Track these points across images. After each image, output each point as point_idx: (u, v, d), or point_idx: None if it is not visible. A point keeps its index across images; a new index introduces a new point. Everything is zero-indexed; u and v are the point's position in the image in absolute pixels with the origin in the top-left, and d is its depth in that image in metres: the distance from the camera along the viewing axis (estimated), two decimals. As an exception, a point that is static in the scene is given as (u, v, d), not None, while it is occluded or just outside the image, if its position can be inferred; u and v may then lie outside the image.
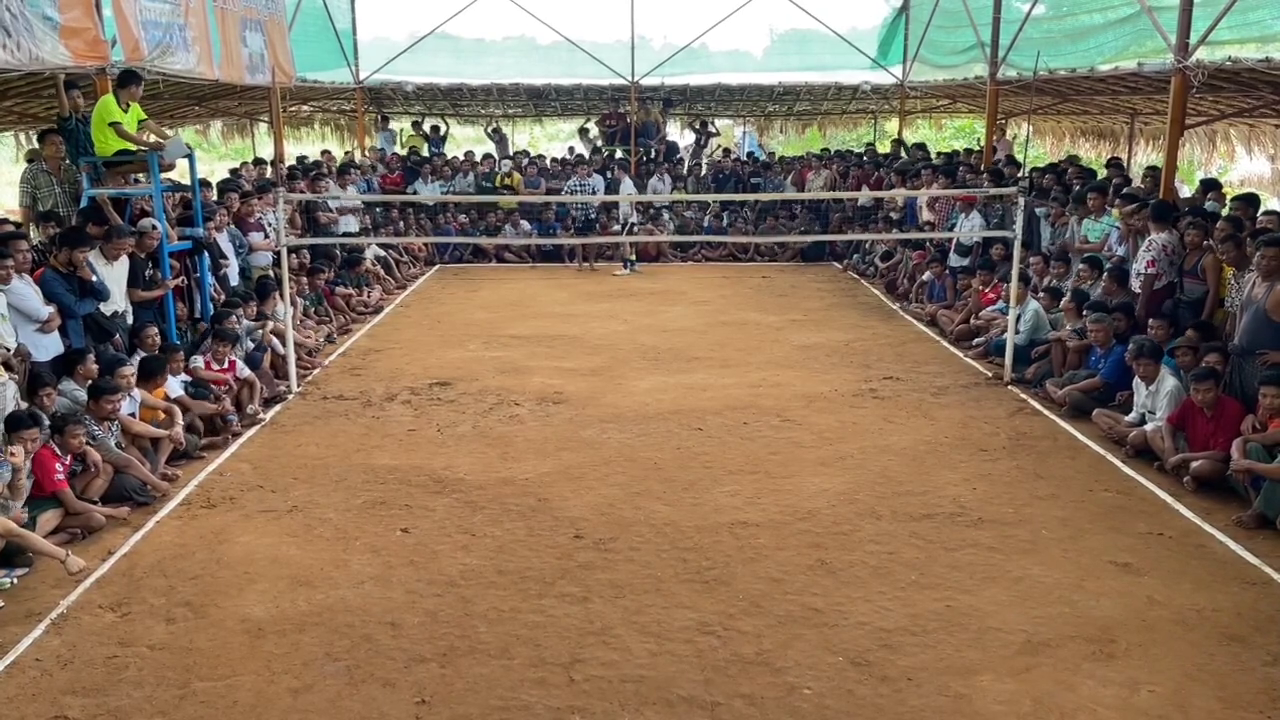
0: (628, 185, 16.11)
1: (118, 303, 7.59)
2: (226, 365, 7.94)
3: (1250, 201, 9.08)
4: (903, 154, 17.54)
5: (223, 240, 9.63)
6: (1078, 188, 11.04)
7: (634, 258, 15.33)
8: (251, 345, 8.75)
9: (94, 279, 7.12)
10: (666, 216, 17.13)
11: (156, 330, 7.74)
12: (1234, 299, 7.19)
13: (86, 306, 7.06)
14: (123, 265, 7.66)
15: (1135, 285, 8.46)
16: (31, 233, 8.17)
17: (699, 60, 18.77)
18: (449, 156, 18.86)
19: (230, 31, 11.66)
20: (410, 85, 18.68)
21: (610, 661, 4.41)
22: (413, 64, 18.44)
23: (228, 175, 13.24)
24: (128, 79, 8.08)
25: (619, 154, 18.75)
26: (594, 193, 15.67)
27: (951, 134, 26.83)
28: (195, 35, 10.37)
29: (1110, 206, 9.75)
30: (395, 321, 11.94)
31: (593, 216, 16.07)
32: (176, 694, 4.18)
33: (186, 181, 9.07)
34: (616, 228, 16.11)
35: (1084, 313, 8.54)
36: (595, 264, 15.51)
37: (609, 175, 16.89)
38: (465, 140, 21.33)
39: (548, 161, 18.83)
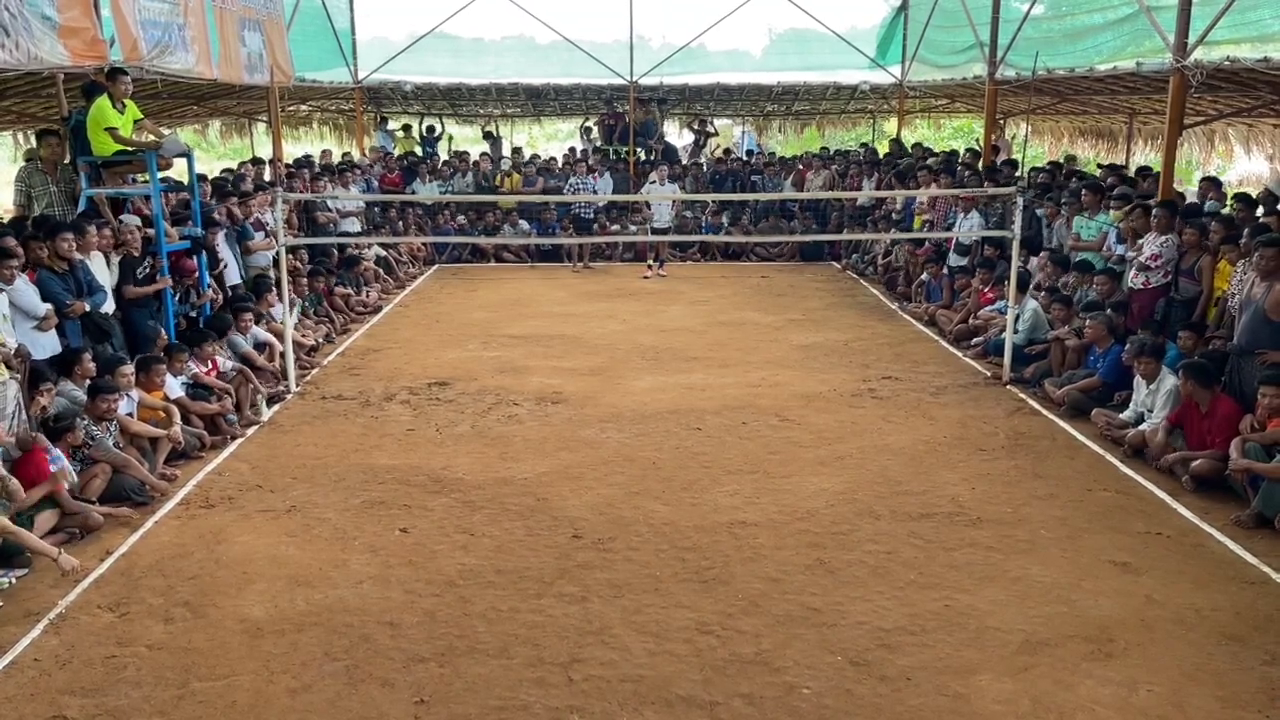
0: (664, 187, 15.22)
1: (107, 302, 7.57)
2: (209, 366, 7.90)
3: (1248, 203, 9.09)
4: (905, 154, 17.54)
5: (220, 241, 9.61)
6: (1072, 185, 11.05)
7: (652, 261, 15.13)
8: (253, 343, 8.77)
9: (81, 267, 7.10)
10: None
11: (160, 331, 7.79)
12: (1233, 292, 7.20)
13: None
14: (101, 261, 7.62)
15: (1135, 284, 8.46)
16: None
17: (698, 60, 18.78)
18: (444, 158, 18.88)
19: (229, 31, 11.65)
20: (409, 85, 18.67)
21: (609, 661, 4.41)
22: (411, 64, 18.44)
23: (227, 174, 13.22)
24: (114, 73, 8.06)
25: (619, 153, 18.75)
26: (594, 193, 15.66)
27: (950, 134, 26.86)
28: (194, 35, 10.36)
29: (1107, 207, 9.76)
30: (394, 321, 11.93)
31: (590, 216, 16.04)
32: (175, 694, 4.18)
33: (185, 181, 9.07)
34: (616, 227, 16.10)
35: (1077, 312, 8.55)
36: (592, 263, 15.49)
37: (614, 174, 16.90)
38: (464, 140, 21.35)
39: (546, 160, 18.85)
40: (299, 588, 5.09)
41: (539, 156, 19.48)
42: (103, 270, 7.60)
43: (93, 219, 7.81)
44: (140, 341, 7.75)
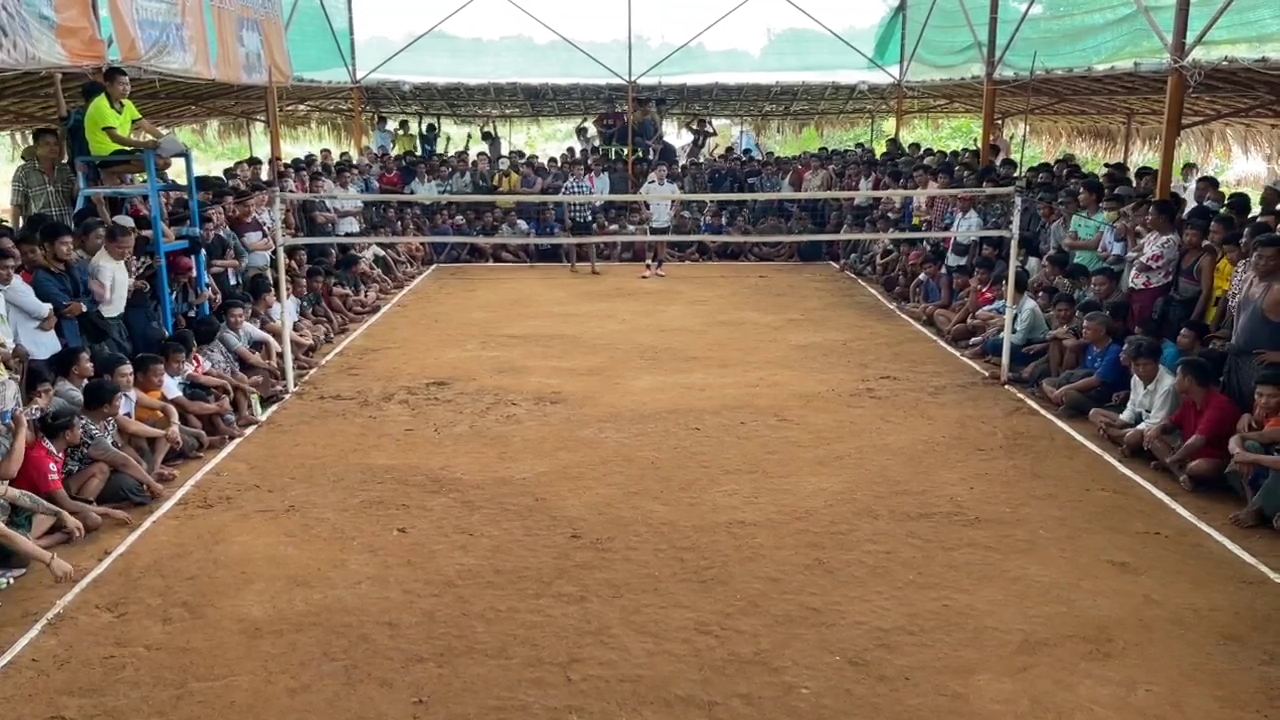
0: (663, 187, 15.15)
1: (119, 306, 7.56)
2: (195, 364, 7.87)
3: (1241, 207, 9.08)
4: (902, 153, 17.57)
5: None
6: (1071, 184, 11.05)
7: (650, 260, 15.16)
8: (248, 341, 8.76)
9: (78, 267, 7.07)
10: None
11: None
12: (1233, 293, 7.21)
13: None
14: (120, 265, 7.61)
15: (1137, 284, 8.47)
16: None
17: (696, 60, 18.79)
18: (445, 156, 18.89)
19: (227, 31, 11.64)
20: (407, 85, 18.67)
21: (608, 661, 4.41)
22: (410, 63, 18.44)
23: (221, 175, 13.22)
24: (112, 73, 8.06)
25: (614, 153, 18.76)
26: (590, 194, 15.66)
27: (948, 134, 26.88)
28: (192, 35, 10.36)
29: (1103, 207, 9.77)
30: (392, 321, 11.93)
31: (589, 218, 16.02)
32: (173, 694, 4.17)
33: (183, 181, 9.07)
34: (615, 227, 16.08)
35: (1079, 312, 8.55)
36: (595, 265, 15.46)
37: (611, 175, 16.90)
38: (463, 140, 21.37)
39: (545, 161, 18.86)
40: (297, 588, 5.08)
41: (536, 157, 19.47)
42: (123, 274, 7.58)
43: (86, 218, 7.80)
44: (139, 342, 7.74)
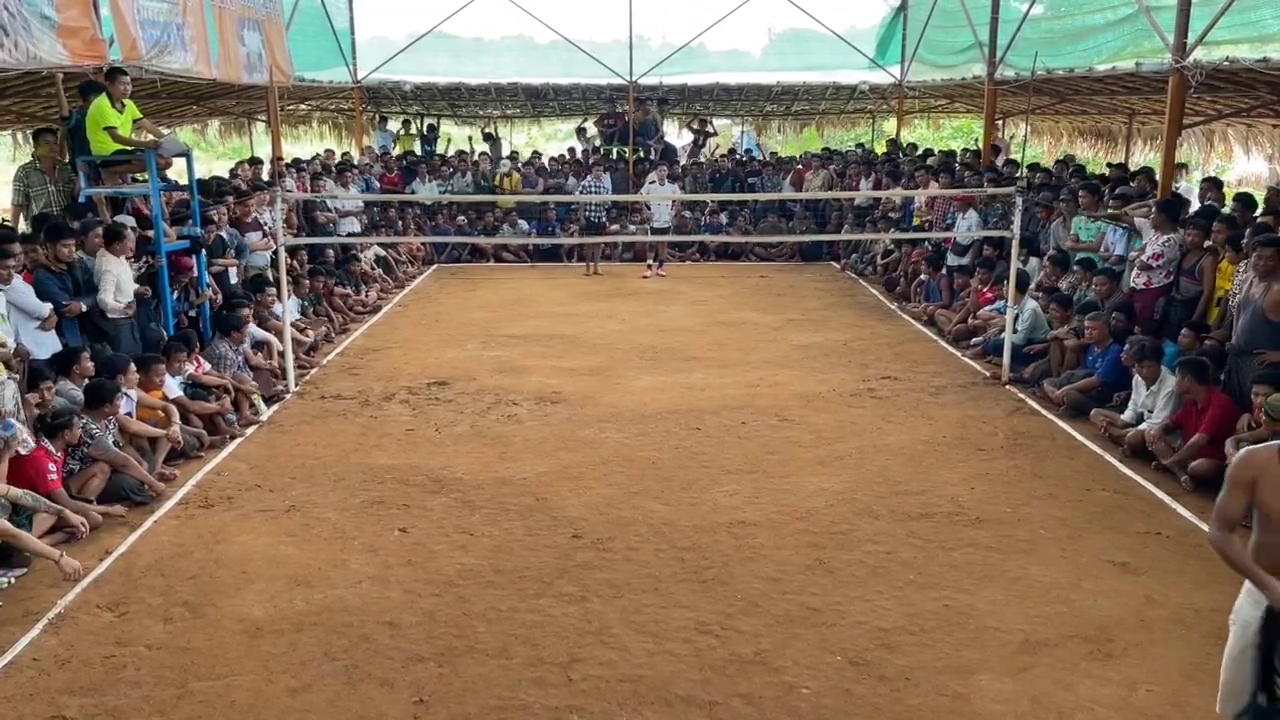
0: (664, 187, 15.17)
1: (128, 297, 7.56)
2: (196, 364, 7.87)
3: (1247, 204, 9.08)
4: (901, 153, 17.57)
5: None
6: (1071, 185, 11.04)
7: (651, 260, 15.16)
8: (250, 341, 8.76)
9: (80, 267, 7.07)
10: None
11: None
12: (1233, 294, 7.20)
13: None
14: (126, 264, 7.60)
15: (1138, 283, 8.46)
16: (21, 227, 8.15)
17: (697, 60, 18.78)
18: (446, 155, 18.88)
19: (228, 30, 11.64)
20: (408, 85, 18.67)
21: (608, 661, 4.41)
22: (410, 63, 18.44)
23: (219, 175, 13.23)
24: (113, 73, 8.06)
25: (621, 154, 18.77)
26: (605, 192, 15.61)
27: (950, 134, 26.86)
28: (193, 34, 10.36)
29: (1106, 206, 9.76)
30: (393, 321, 11.93)
31: (601, 218, 15.95)
32: (174, 693, 4.18)
33: (184, 181, 9.07)
34: (616, 227, 16.07)
35: (1074, 313, 8.54)
36: (599, 267, 15.41)
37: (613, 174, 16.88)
38: (462, 140, 21.39)
39: (545, 161, 18.86)
40: (298, 587, 5.09)
41: (538, 155, 19.45)
42: (128, 273, 7.57)
43: (84, 217, 7.80)
44: (140, 342, 7.74)
